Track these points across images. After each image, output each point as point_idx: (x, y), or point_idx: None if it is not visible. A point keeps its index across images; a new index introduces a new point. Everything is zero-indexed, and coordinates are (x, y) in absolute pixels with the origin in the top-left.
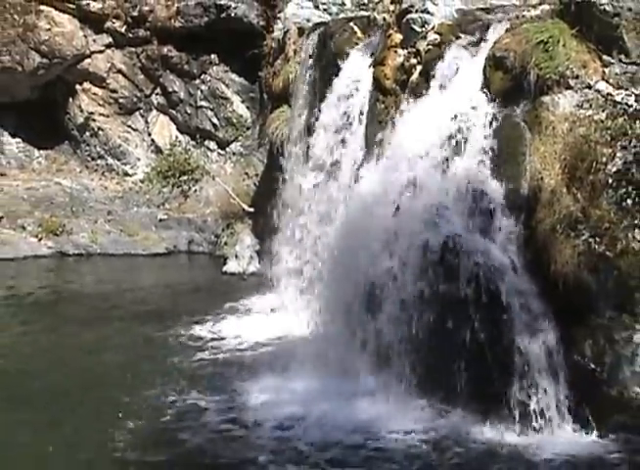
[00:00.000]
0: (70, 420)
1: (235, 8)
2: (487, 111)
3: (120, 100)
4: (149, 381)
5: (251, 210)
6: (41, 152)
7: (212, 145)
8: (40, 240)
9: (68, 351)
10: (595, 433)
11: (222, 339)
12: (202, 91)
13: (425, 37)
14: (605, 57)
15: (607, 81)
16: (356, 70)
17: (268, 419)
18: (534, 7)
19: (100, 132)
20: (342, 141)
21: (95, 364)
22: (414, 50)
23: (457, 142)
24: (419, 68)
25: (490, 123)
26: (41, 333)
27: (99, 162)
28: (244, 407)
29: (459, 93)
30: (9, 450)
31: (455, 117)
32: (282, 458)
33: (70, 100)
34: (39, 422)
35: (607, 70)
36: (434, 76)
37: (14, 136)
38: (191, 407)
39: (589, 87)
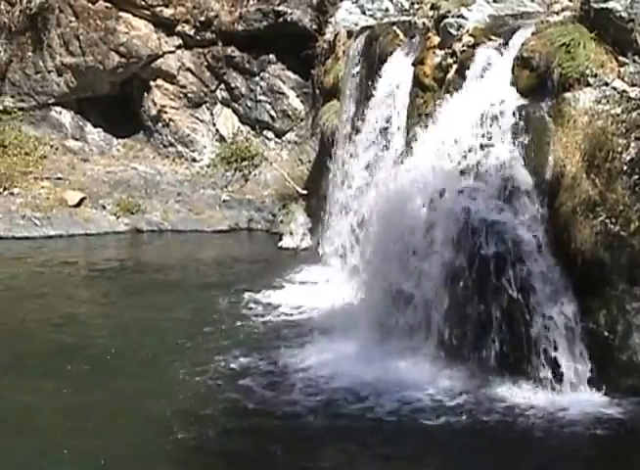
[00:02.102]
0: (138, 376)
1: (291, 13)
2: (516, 105)
3: (189, 95)
4: (210, 343)
5: (304, 192)
6: (119, 140)
7: (270, 134)
8: (118, 218)
9: (140, 314)
10: (607, 394)
11: (277, 306)
12: (261, 87)
13: (460, 39)
14: (620, 57)
15: (622, 79)
16: (398, 69)
17: (316, 378)
18: (557, 13)
19: (171, 123)
20: (386, 131)
21: (163, 326)
22: (450, 51)
23: (489, 133)
24: (455, 66)
25: (518, 116)
26: (117, 298)
27: (170, 149)
28: (295, 367)
29: (490, 89)
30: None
31: (487, 110)
32: (324, 415)
33: (145, 95)
34: (112, 375)
35: (622, 70)
36: (468, 74)
37: (95, 126)
38: (247, 367)
39: (606, 85)
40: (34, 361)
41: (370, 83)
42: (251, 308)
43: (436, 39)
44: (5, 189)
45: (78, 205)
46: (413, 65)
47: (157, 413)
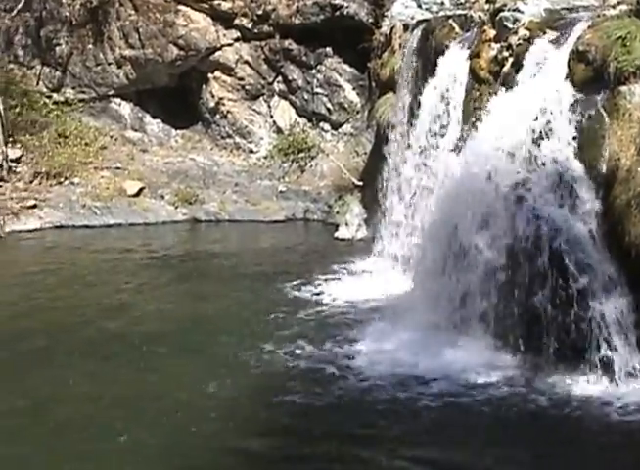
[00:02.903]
0: (190, 362)
1: (347, 7)
2: (571, 98)
3: (247, 87)
4: (266, 332)
5: (360, 183)
6: (178, 131)
7: (326, 126)
8: (176, 208)
9: (196, 302)
10: None
11: (332, 296)
12: (317, 79)
13: (516, 33)
14: None
15: None
16: (454, 62)
17: (372, 366)
18: (613, 7)
19: (229, 115)
20: (441, 124)
21: (218, 314)
22: (506, 44)
23: (544, 126)
24: (510, 60)
25: (574, 110)
26: (174, 286)
27: (227, 140)
28: (351, 355)
29: (546, 82)
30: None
31: (542, 103)
32: (377, 401)
33: (203, 87)
34: (171, 358)
35: None
36: (523, 67)
37: (155, 118)
38: (304, 355)
39: None
40: (97, 346)
41: (426, 76)
42: (306, 298)
43: (492, 33)
44: (66, 179)
45: (137, 194)
46: (469, 58)
47: (222, 395)
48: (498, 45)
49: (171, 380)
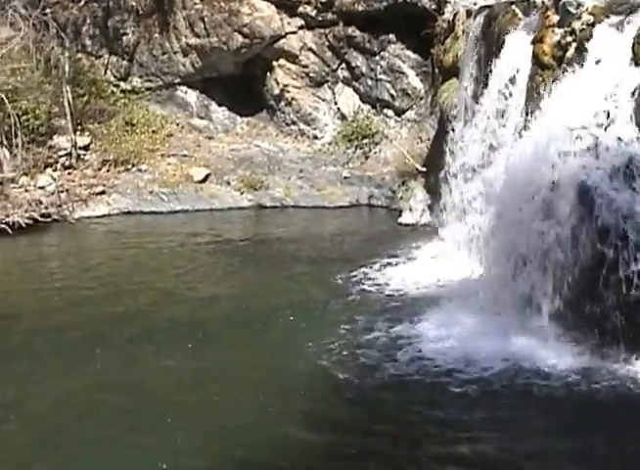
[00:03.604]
0: (262, 342)
1: None
2: (636, 82)
3: (311, 74)
4: (331, 314)
5: (424, 169)
6: (243, 118)
7: (390, 113)
8: (242, 194)
9: (261, 285)
10: None
11: (396, 280)
12: (381, 66)
13: (579, 18)
14: None
15: None
16: (517, 48)
17: (438, 349)
18: None
19: (293, 102)
20: (505, 109)
21: (285, 297)
22: (569, 29)
23: (608, 111)
24: (574, 45)
25: (638, 95)
26: (239, 270)
27: (292, 127)
28: (416, 338)
29: (610, 68)
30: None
31: (606, 88)
32: (448, 384)
33: (268, 74)
34: (245, 339)
35: None
36: (587, 52)
37: (220, 105)
38: (370, 338)
39: None
40: (169, 330)
41: (489, 62)
42: (371, 283)
43: (555, 18)
44: (133, 166)
45: (203, 181)
46: (532, 43)
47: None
48: (561, 30)
49: (258, 357)
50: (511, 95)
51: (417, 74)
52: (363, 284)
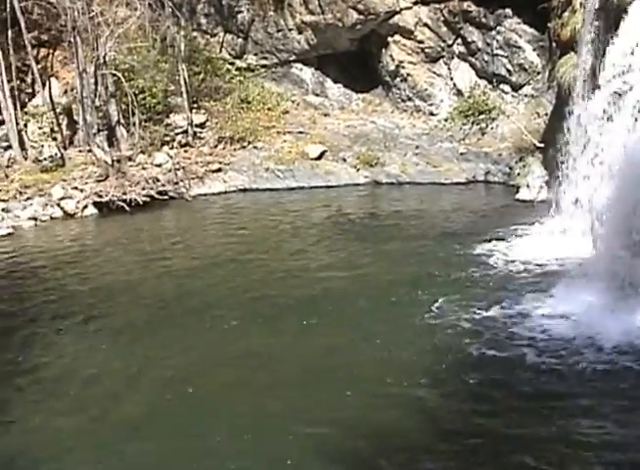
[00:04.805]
0: (372, 315)
1: None
2: None
3: (426, 50)
4: (451, 291)
5: (541, 145)
6: (358, 95)
7: (507, 88)
8: (358, 170)
9: (380, 260)
10: None
11: (514, 257)
12: (497, 41)
13: None
14: None
15: None
16: (637, 21)
17: (561, 328)
18: None
19: (409, 78)
20: (625, 84)
21: (404, 272)
22: None
23: None
24: None
25: None
26: (356, 246)
27: (408, 103)
28: (537, 316)
29: None
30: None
31: None
32: (565, 362)
33: (383, 50)
34: (364, 314)
35: None
36: None
37: (335, 82)
38: (484, 314)
39: None
40: (306, 304)
41: (608, 35)
42: (488, 258)
43: None
44: (249, 143)
45: (319, 158)
46: None
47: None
48: None
49: (381, 330)
50: (631, 69)
51: (534, 49)
52: (482, 260)
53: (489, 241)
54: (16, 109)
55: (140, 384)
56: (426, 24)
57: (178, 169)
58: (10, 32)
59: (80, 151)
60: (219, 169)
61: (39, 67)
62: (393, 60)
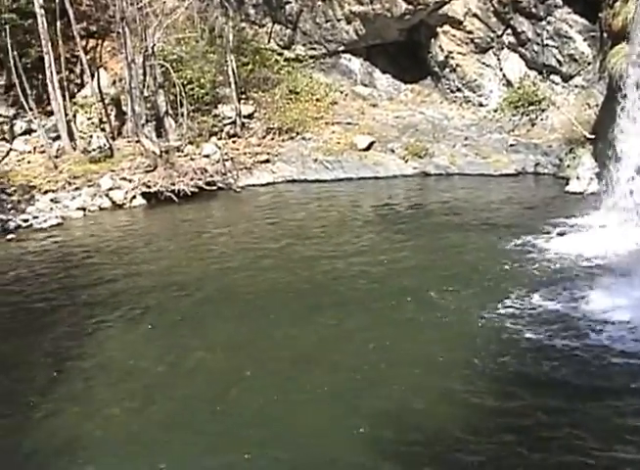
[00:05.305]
0: (434, 307)
1: None
2: None
3: (476, 40)
4: (499, 284)
5: (592, 136)
6: (407, 86)
7: (557, 79)
8: (406, 161)
9: (430, 252)
10: None
11: (563, 249)
12: (547, 31)
13: None
14: None
15: None
16: None
17: (603, 321)
18: None
19: (458, 68)
20: None
21: (450, 265)
22: None
23: None
24: None
25: None
26: (406, 238)
27: (457, 94)
28: (591, 311)
29: None
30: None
31: None
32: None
33: (432, 41)
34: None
35: None
36: None
37: (384, 72)
38: (534, 308)
39: None
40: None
41: None
42: (538, 251)
43: None
44: (297, 134)
45: (368, 149)
46: None
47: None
48: None
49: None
50: None
51: (584, 39)
52: (530, 252)
53: (539, 233)
54: (65, 99)
55: (194, 376)
56: (475, 15)
57: (226, 160)
58: (59, 23)
59: (129, 141)
60: (267, 160)
61: (88, 57)
62: (442, 50)
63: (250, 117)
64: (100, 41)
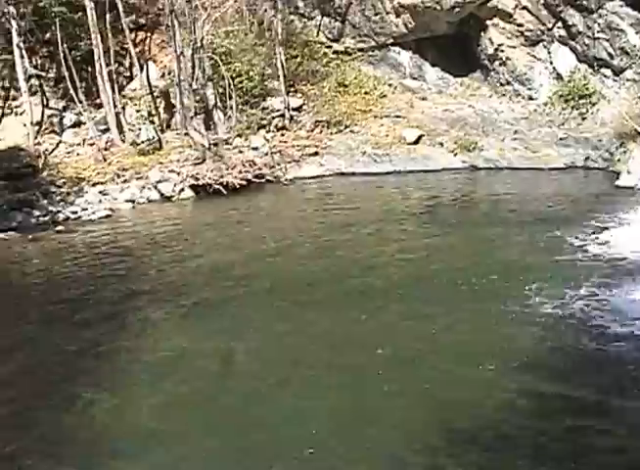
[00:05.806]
0: (490, 299)
1: None
2: None
3: (526, 33)
4: (547, 277)
5: None
6: (456, 79)
7: (608, 72)
8: (455, 155)
9: (476, 246)
10: None
11: (613, 243)
12: (598, 24)
13: None
14: None
15: None
16: None
17: None
18: None
19: (507, 61)
20: None
21: (499, 258)
22: None
23: None
24: None
25: None
26: (455, 230)
27: (506, 87)
28: (628, 305)
29: None
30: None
31: None
32: None
33: (482, 34)
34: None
35: None
36: None
37: (433, 65)
38: (583, 303)
39: None
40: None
41: None
42: (587, 246)
43: None
44: (346, 127)
45: (416, 142)
46: None
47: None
48: None
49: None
50: None
51: (637, 32)
52: (581, 247)
53: (589, 228)
54: (114, 92)
55: (244, 367)
56: (525, 7)
57: (275, 153)
58: (108, 16)
59: (177, 134)
60: (316, 153)
61: (137, 50)
62: (492, 43)
63: (298, 109)
64: (149, 34)
